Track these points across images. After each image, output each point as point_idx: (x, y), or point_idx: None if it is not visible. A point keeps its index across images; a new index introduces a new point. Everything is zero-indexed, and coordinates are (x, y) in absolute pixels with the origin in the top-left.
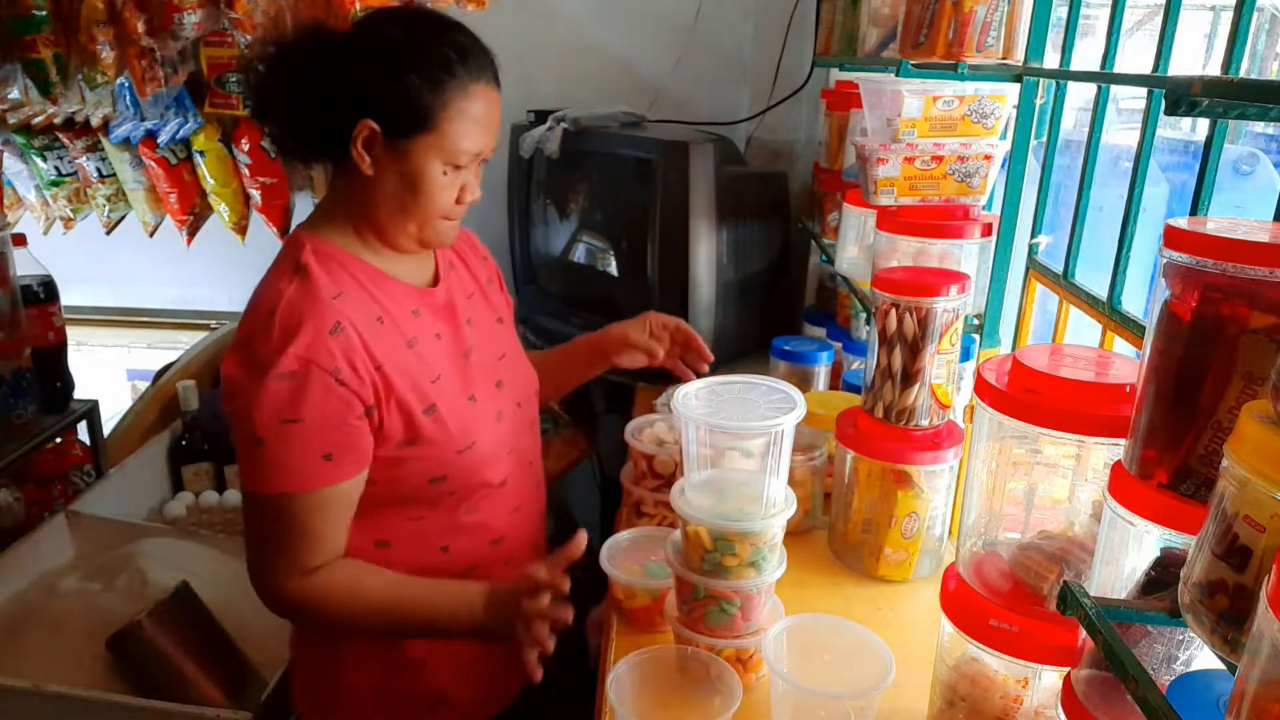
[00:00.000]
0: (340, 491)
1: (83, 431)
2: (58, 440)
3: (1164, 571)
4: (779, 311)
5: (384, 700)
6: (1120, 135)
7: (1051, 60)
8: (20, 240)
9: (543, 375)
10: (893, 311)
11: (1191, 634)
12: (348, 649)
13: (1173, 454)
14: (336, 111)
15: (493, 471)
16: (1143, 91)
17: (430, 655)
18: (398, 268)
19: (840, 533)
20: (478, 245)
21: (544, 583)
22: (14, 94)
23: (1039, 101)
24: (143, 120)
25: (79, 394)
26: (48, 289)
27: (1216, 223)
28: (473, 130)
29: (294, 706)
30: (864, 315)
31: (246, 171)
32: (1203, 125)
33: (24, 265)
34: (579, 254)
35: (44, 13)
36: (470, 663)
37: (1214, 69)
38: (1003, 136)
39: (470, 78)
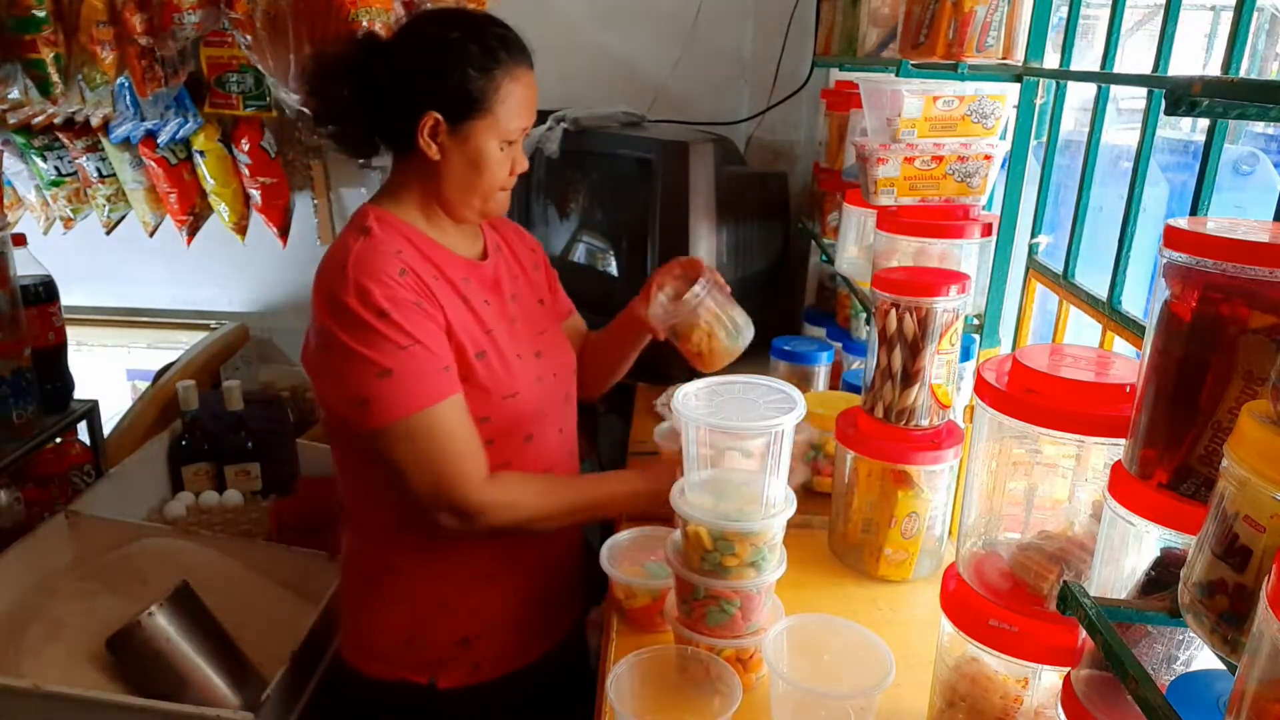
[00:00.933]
0: (461, 400)
1: (83, 431)
2: (58, 440)
3: (1164, 571)
4: (779, 311)
5: (411, 639)
6: (1120, 135)
7: (1051, 60)
8: (20, 240)
9: (596, 356)
10: (893, 311)
11: (1191, 634)
12: (381, 594)
13: (1173, 454)
14: (403, 108)
15: (530, 425)
16: (1143, 91)
17: (456, 600)
18: (450, 242)
19: (840, 533)
20: (526, 236)
21: None
22: (14, 94)
23: (1039, 101)
24: (143, 120)
25: (79, 394)
26: (48, 289)
27: (1216, 223)
28: (520, 109)
29: (340, 654)
30: (864, 315)
31: (246, 171)
32: (1203, 125)
33: (24, 265)
34: (579, 254)
35: (44, 13)
36: (498, 611)
37: (1214, 69)
38: (1003, 136)
39: (514, 63)
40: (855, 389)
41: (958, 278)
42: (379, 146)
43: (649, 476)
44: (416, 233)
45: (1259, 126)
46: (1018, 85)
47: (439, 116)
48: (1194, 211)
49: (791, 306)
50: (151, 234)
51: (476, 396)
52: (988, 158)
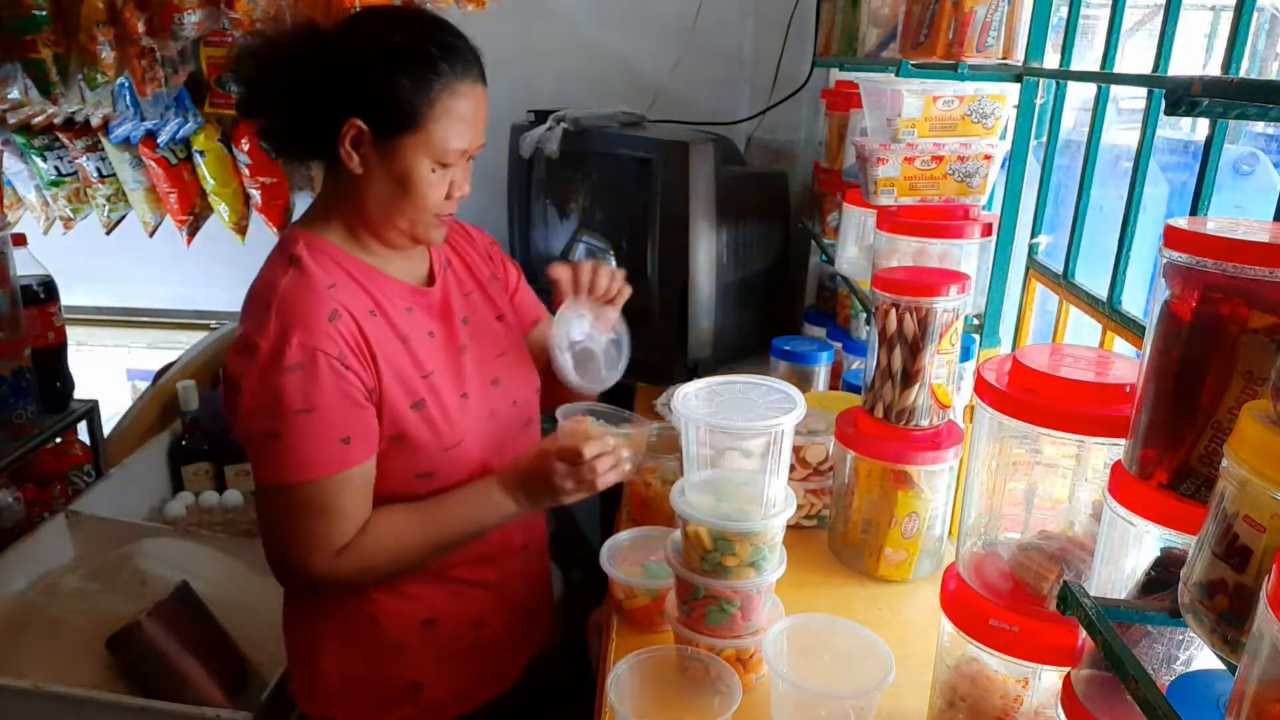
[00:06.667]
0: (360, 472)
1: (83, 431)
2: (58, 440)
3: (1164, 571)
4: (779, 311)
5: (365, 685)
6: (1120, 135)
7: (1051, 60)
8: (20, 240)
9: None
10: (893, 311)
11: (1191, 634)
12: (329, 639)
13: (1173, 454)
14: (324, 110)
15: (482, 470)
16: (1143, 91)
17: (410, 641)
18: (390, 266)
19: (840, 533)
20: (478, 240)
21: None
22: (14, 94)
23: (1039, 101)
24: (143, 120)
25: (79, 394)
26: (48, 289)
27: (1216, 223)
28: (459, 128)
29: (295, 704)
30: (864, 315)
31: (246, 171)
32: (1203, 125)
33: (24, 265)
34: (579, 254)
35: (44, 13)
36: (450, 654)
37: (1214, 69)
38: (1003, 136)
39: (456, 76)
40: (855, 389)
41: (958, 278)
42: (307, 150)
43: (517, 471)
44: (352, 259)
45: (1259, 126)
46: (1018, 85)
47: (362, 125)
48: (1194, 211)
49: (791, 306)
50: (151, 234)
51: (414, 452)
52: (988, 158)
